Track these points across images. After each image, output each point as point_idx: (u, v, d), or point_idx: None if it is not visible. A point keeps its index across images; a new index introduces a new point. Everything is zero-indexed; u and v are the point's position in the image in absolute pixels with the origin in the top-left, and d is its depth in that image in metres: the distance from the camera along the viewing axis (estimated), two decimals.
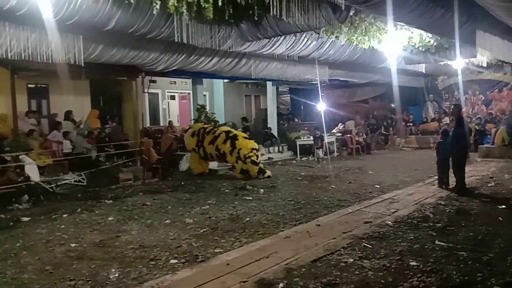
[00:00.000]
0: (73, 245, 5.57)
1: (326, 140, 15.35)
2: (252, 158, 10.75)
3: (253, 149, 10.92)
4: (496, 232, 5.58)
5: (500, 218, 6.34)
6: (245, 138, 11.22)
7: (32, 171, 8.74)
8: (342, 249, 5.01)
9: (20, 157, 8.86)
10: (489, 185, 9.07)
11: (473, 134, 14.79)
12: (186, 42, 7.88)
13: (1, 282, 4.39)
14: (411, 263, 4.52)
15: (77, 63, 7.80)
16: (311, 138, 15.08)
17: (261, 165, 11.02)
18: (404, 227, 5.91)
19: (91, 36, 7.90)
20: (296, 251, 4.97)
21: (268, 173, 10.91)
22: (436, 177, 9.10)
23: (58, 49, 7.40)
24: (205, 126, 11.72)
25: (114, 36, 8.12)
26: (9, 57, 7.10)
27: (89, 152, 10.63)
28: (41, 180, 8.80)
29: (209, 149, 11.16)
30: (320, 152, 14.15)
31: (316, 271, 4.38)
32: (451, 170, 8.67)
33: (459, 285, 3.95)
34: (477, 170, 11.04)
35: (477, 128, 15.90)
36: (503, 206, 7.05)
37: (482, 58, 12.64)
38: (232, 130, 11.73)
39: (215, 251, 5.14)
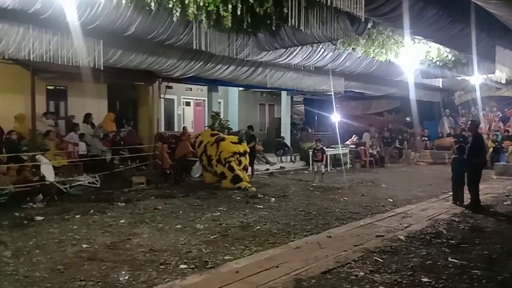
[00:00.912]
0: (84, 246, 5.63)
1: (332, 153, 15.15)
2: (232, 163, 10.50)
3: (235, 153, 10.65)
4: (510, 251, 5.47)
5: None
6: (233, 142, 10.91)
7: (48, 171, 8.88)
8: (353, 262, 4.96)
9: (37, 157, 9.02)
10: (505, 203, 8.90)
11: (490, 151, 14.58)
12: (203, 50, 7.97)
13: (13, 280, 4.45)
14: (423, 279, 4.45)
15: (96, 66, 7.96)
16: (315, 148, 13.44)
17: (239, 173, 10.52)
18: (417, 243, 5.83)
19: (111, 41, 8.05)
20: (306, 262, 4.94)
21: (244, 185, 10.33)
22: (451, 193, 8.97)
23: (79, 53, 7.57)
24: (210, 140, 11.27)
25: (134, 41, 8.26)
26: (31, 59, 7.27)
27: (104, 154, 10.76)
28: (56, 180, 8.94)
29: (204, 160, 11.19)
30: (322, 167, 12.55)
31: (325, 283, 4.34)
32: (466, 187, 8.54)
33: None
34: (492, 188, 10.85)
35: (494, 145, 15.65)
36: None
37: (501, 74, 12.45)
38: (222, 135, 11.50)
39: (225, 258, 5.14)
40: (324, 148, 13.40)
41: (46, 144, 9.76)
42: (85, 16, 6.54)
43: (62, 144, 10.74)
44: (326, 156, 12.88)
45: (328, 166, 14.96)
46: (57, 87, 12.56)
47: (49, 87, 12.22)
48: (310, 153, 15.26)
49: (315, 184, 11.43)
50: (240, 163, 10.75)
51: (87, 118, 11.92)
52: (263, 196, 9.45)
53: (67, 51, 7.48)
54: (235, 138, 11.38)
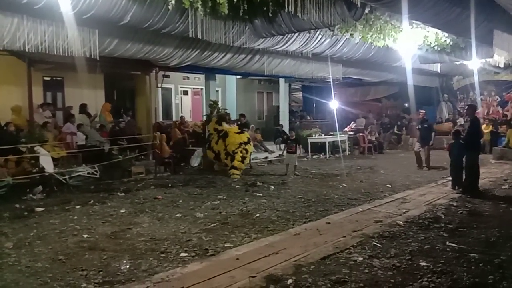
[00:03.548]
0: (85, 236, 5.66)
1: (331, 140, 15.03)
2: (237, 154, 10.72)
3: (240, 144, 10.88)
4: (508, 235, 5.52)
5: None
6: (236, 133, 11.19)
7: (47, 163, 8.88)
8: (351, 248, 5.01)
9: (35, 148, 9.01)
10: (503, 187, 8.95)
11: (488, 136, 14.62)
12: (200, 38, 7.91)
13: (15, 270, 4.48)
14: (421, 263, 4.49)
15: (92, 56, 7.92)
16: (289, 138, 11.92)
17: (237, 164, 10.63)
18: (415, 227, 5.88)
19: (106, 30, 7.99)
20: (305, 248, 4.98)
21: (233, 172, 10.56)
22: (449, 178, 9.02)
23: (74, 43, 7.51)
24: (214, 133, 11.41)
25: (129, 30, 8.20)
26: (27, 50, 7.22)
27: (102, 145, 10.76)
28: (55, 171, 8.94)
29: (210, 154, 11.44)
30: (295, 159, 11.26)
31: (325, 268, 4.38)
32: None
33: (469, 287, 3.92)
34: (490, 172, 10.90)
35: (493, 130, 15.68)
36: None
37: (499, 58, 12.43)
38: (225, 129, 11.46)
39: (225, 245, 5.17)
40: (298, 138, 12.70)
41: (44, 136, 9.75)
42: (80, 6, 6.48)
43: (60, 135, 10.72)
44: (300, 147, 12.02)
45: (327, 153, 15.02)
46: (54, 78, 12.48)
47: (45, 78, 12.15)
48: (309, 141, 15.35)
49: (314, 171, 11.44)
50: (246, 151, 10.98)
51: (83, 108, 11.88)
52: (262, 184, 9.49)
53: (62, 41, 7.43)
54: (236, 129, 11.57)
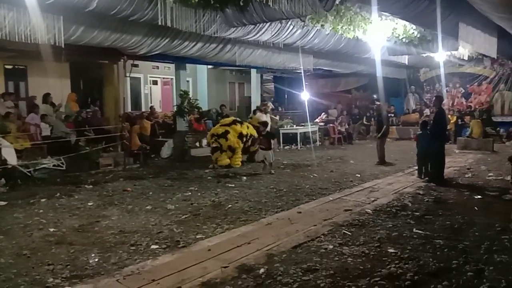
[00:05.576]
0: (51, 229, 5.49)
1: (302, 130, 15.16)
2: (213, 145, 9.57)
3: (212, 135, 9.63)
4: (471, 221, 5.73)
5: (475, 207, 6.51)
6: (222, 125, 9.86)
7: (9, 155, 8.52)
8: (322, 236, 5.08)
9: None
10: (466, 176, 9.29)
11: (452, 126, 15.11)
12: (170, 26, 7.76)
13: None
14: (389, 250, 4.61)
15: (57, 44, 7.59)
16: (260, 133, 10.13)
17: (213, 157, 9.61)
18: (383, 215, 6.02)
19: (72, 17, 7.68)
20: (277, 238, 5.02)
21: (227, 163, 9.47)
22: (416, 167, 9.27)
23: (37, 29, 7.18)
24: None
25: (96, 17, 7.92)
26: None
27: (68, 136, 10.44)
28: (18, 163, 8.60)
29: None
30: (269, 155, 9.83)
31: (296, 257, 4.43)
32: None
33: (435, 271, 4.05)
34: (455, 161, 11.30)
35: (458, 121, 16.24)
36: (479, 197, 7.23)
37: (464, 51, 12.83)
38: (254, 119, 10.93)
39: (197, 237, 5.14)
40: (274, 133, 11.42)
41: (6, 127, 9.35)
42: None
43: (23, 126, 10.31)
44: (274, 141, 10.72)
45: (299, 144, 15.13)
46: (16, 67, 11.99)
47: (7, 67, 11.66)
48: (281, 131, 15.38)
49: (285, 162, 11.51)
50: (220, 145, 9.46)
51: (46, 98, 11.46)
52: (234, 175, 9.47)
53: (24, 27, 7.08)
54: (226, 121, 10.22)
